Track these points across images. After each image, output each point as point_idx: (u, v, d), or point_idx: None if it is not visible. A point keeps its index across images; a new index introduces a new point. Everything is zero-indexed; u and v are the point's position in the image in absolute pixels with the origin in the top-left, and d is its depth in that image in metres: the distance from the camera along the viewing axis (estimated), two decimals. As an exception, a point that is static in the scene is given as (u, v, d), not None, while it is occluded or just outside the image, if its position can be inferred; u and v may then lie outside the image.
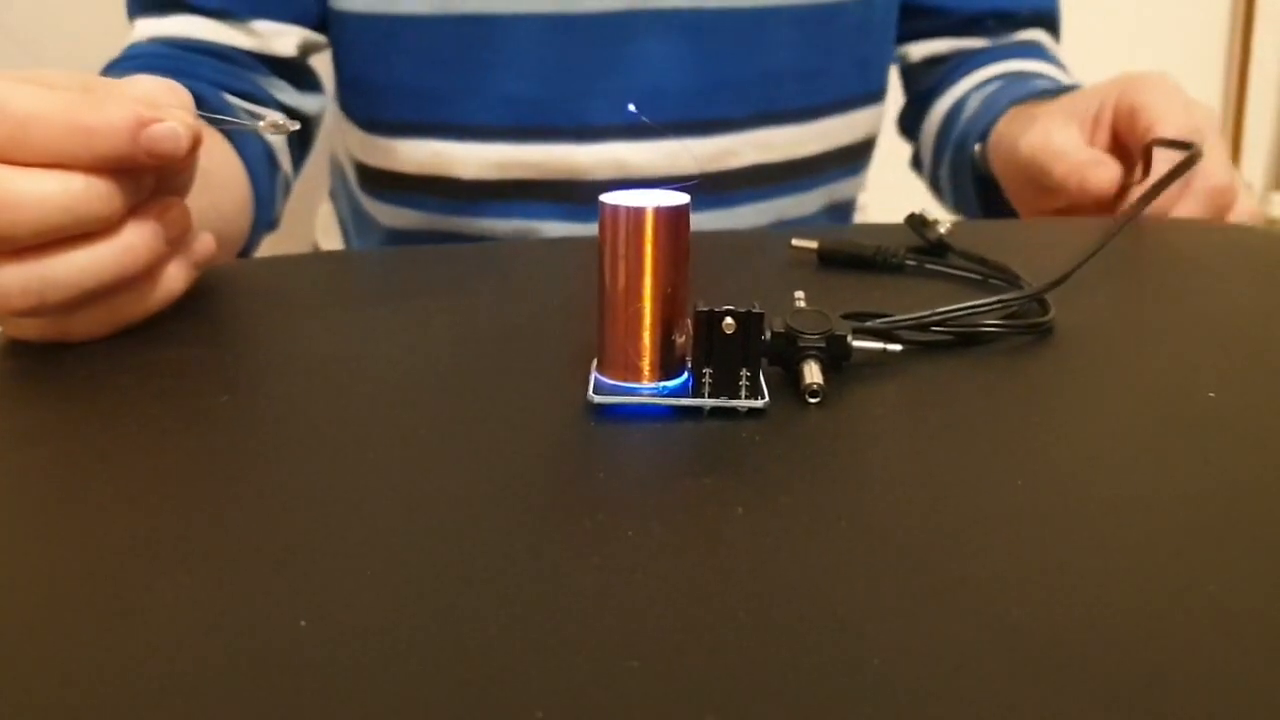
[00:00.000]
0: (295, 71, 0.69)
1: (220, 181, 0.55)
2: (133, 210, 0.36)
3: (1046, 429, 0.29)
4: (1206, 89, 1.65)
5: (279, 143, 0.66)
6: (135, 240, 0.36)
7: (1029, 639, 0.20)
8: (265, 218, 0.64)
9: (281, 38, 0.66)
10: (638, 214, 0.29)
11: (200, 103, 0.57)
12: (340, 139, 0.78)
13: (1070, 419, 0.30)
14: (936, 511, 0.25)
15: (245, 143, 0.61)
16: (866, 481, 0.27)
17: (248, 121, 0.41)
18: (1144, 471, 0.27)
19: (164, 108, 0.36)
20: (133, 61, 0.62)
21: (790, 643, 0.20)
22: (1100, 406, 0.31)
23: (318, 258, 0.62)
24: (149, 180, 0.36)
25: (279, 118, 0.40)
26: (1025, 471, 0.27)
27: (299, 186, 0.76)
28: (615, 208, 0.30)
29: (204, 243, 0.41)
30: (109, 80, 0.38)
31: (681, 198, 0.30)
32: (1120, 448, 0.28)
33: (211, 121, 0.40)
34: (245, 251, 0.62)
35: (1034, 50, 0.77)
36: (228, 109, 0.61)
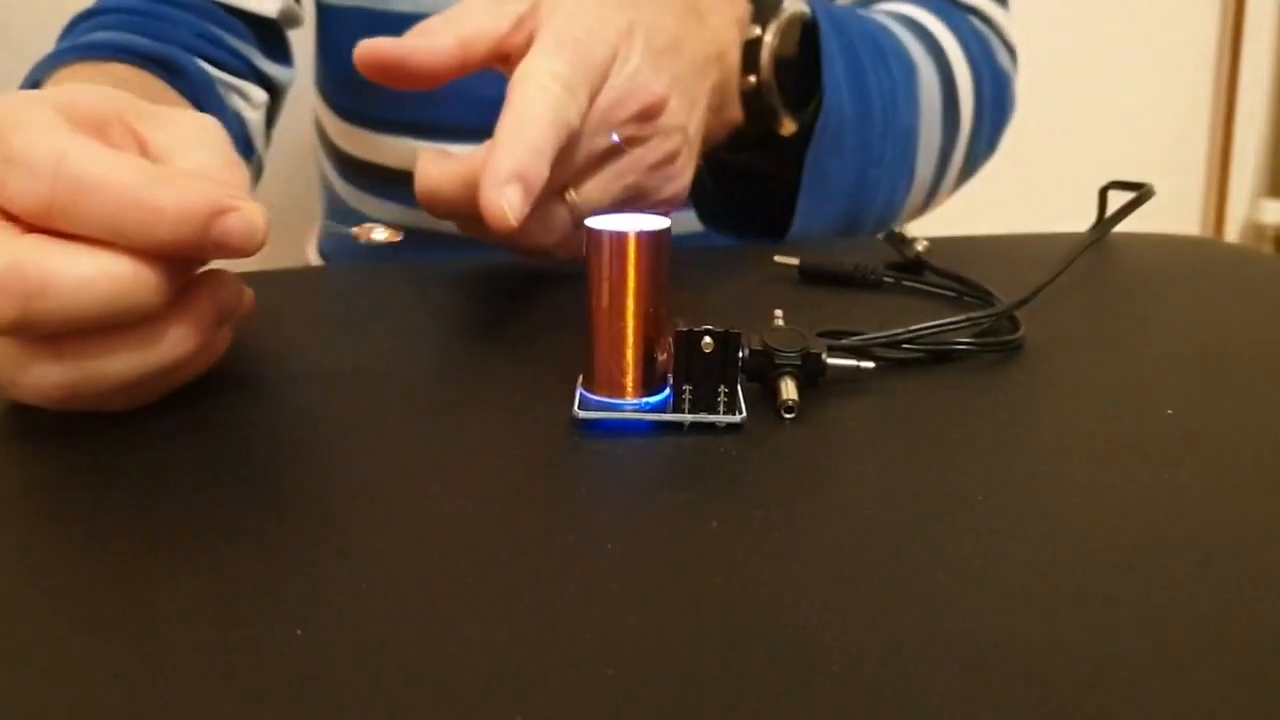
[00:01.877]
0: (271, 37, 0.67)
1: None
2: (182, 289, 0.31)
3: (1011, 446, 0.31)
4: (1196, 94, 1.66)
5: (256, 125, 0.65)
6: (186, 331, 0.31)
7: (987, 650, 0.21)
8: None
9: None
10: (620, 238, 0.31)
11: (182, 76, 0.56)
12: (318, 128, 0.77)
13: (1035, 436, 0.31)
14: (902, 526, 0.26)
15: (225, 123, 0.60)
16: (836, 495, 0.28)
17: (346, 229, 0.34)
18: (1104, 488, 0.28)
19: (237, 190, 0.31)
20: (106, 16, 0.59)
21: (756, 651, 0.21)
22: (1065, 424, 0.32)
23: (306, 273, 0.63)
24: (199, 261, 0.32)
25: (381, 229, 0.35)
26: (987, 488, 0.28)
27: (299, 188, 0.76)
28: (599, 232, 0.31)
29: (246, 301, 0.36)
30: (169, 125, 0.33)
31: (662, 221, 0.31)
32: (1082, 464, 0.29)
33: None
34: None
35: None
36: (212, 85, 0.59)
